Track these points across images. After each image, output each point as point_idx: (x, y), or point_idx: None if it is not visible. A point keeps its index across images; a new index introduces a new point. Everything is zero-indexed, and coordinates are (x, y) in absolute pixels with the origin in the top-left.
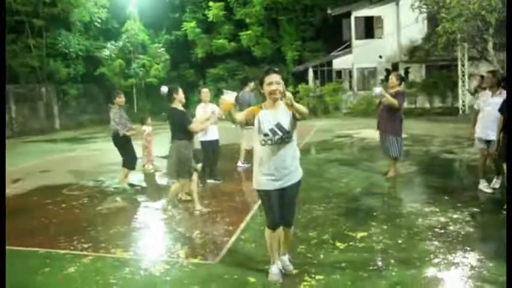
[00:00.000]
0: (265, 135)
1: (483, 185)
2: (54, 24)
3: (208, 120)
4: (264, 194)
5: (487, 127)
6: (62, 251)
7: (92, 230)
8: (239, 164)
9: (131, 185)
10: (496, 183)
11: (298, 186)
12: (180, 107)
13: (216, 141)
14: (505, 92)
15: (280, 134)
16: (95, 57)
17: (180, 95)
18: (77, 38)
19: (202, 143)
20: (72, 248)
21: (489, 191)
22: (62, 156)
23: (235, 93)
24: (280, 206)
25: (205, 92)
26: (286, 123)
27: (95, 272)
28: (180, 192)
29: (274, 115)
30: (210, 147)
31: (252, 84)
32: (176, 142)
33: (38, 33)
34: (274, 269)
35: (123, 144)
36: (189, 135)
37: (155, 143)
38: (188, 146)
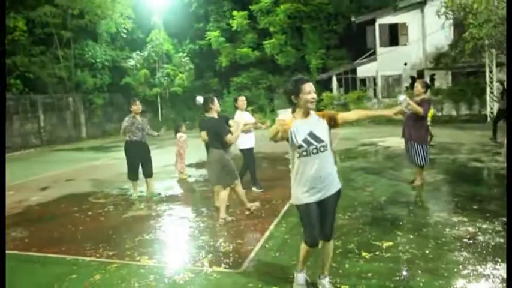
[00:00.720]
0: (300, 146)
1: None
2: (82, 36)
3: (240, 129)
4: (303, 209)
5: None
6: (88, 258)
7: (117, 237)
8: None
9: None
10: None
11: (338, 196)
12: (216, 116)
13: (253, 148)
14: None
15: (315, 144)
16: (121, 67)
17: (216, 105)
18: (104, 48)
19: (241, 150)
20: (98, 255)
21: None
22: (88, 165)
23: (289, 110)
24: (321, 218)
25: (242, 100)
26: (320, 132)
27: (120, 279)
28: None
29: (307, 125)
30: (249, 154)
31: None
32: (216, 151)
33: (66, 45)
34: (301, 278)
35: (129, 153)
36: (227, 144)
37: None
38: (229, 153)
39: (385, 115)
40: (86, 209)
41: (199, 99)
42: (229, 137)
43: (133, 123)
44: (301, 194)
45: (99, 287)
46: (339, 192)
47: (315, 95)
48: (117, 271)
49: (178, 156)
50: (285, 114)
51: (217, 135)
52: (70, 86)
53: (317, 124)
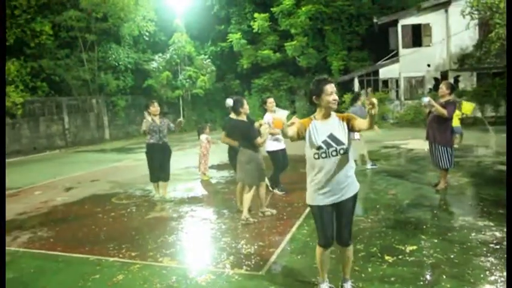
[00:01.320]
0: (319, 148)
1: None
2: (105, 39)
3: (268, 132)
4: (316, 210)
5: None
6: (111, 259)
7: (139, 238)
8: (368, 166)
9: (162, 198)
10: None
11: (355, 200)
12: (245, 119)
13: (283, 150)
14: None
15: (335, 146)
16: (143, 70)
17: (245, 107)
18: (126, 51)
19: (269, 152)
20: (121, 255)
21: None
22: (111, 166)
23: (287, 112)
24: (337, 222)
25: (271, 102)
26: (340, 135)
27: (142, 280)
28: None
29: (327, 126)
30: (277, 156)
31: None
32: (248, 151)
33: (90, 48)
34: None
35: (148, 155)
36: (255, 145)
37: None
38: (260, 153)
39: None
40: (109, 209)
41: (229, 101)
42: (258, 139)
43: (150, 125)
44: (315, 195)
45: (122, 287)
46: (355, 196)
47: (336, 97)
48: (140, 272)
49: (201, 157)
50: (279, 114)
51: (247, 137)
52: (94, 88)
53: (338, 126)
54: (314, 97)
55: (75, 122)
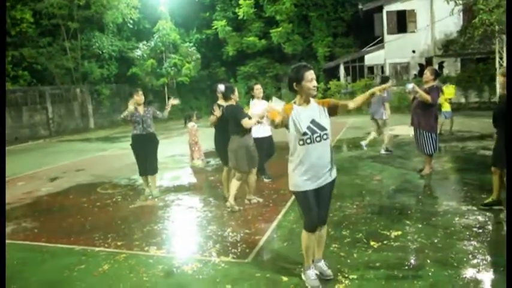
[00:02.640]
0: (304, 134)
1: None
2: (88, 27)
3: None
4: (302, 196)
5: None
6: (97, 249)
7: (125, 227)
8: (382, 151)
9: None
10: None
11: (334, 183)
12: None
13: (269, 137)
14: None
15: (319, 131)
16: (128, 58)
17: (236, 95)
18: (110, 39)
19: (255, 139)
20: (106, 245)
21: None
22: (96, 155)
23: (283, 102)
24: (318, 205)
25: (259, 88)
26: (322, 120)
27: (128, 269)
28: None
29: (309, 112)
30: (263, 144)
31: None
32: (239, 137)
33: (73, 36)
34: (312, 274)
35: (133, 148)
36: (245, 129)
37: (186, 140)
38: (251, 139)
39: (372, 92)
40: (95, 199)
41: (221, 87)
42: (245, 120)
43: (133, 115)
44: (301, 182)
45: (108, 277)
46: (335, 179)
47: (316, 83)
48: (126, 261)
49: (192, 145)
50: (275, 103)
51: (237, 121)
52: (77, 77)
53: (319, 112)
54: (294, 84)
55: (58, 111)
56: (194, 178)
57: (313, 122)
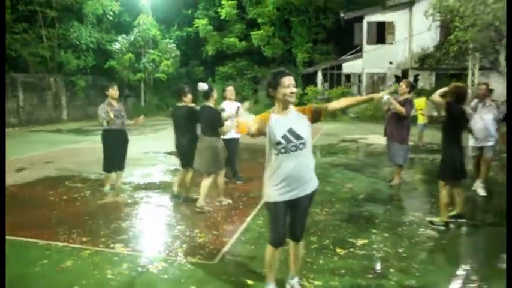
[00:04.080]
0: (278, 143)
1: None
2: (67, 16)
3: (231, 119)
4: (272, 207)
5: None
6: (61, 244)
7: (92, 223)
8: None
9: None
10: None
11: (312, 197)
12: (213, 106)
13: (237, 139)
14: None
15: (294, 141)
16: (106, 50)
17: (215, 95)
18: (89, 30)
19: (223, 141)
20: (71, 241)
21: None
22: (67, 148)
23: (253, 116)
24: (292, 218)
25: (231, 90)
26: (300, 129)
27: (92, 266)
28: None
29: (286, 121)
30: (231, 145)
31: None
32: (208, 138)
33: (51, 24)
34: None
35: (106, 142)
36: (218, 132)
37: (161, 138)
38: (220, 141)
39: (370, 97)
40: (62, 193)
41: (203, 85)
42: (224, 128)
43: (109, 110)
44: (273, 191)
45: (71, 273)
46: (314, 193)
47: (294, 89)
48: (90, 258)
49: None
50: (245, 117)
51: (213, 124)
52: (52, 67)
53: (297, 120)
54: (270, 90)
55: (30, 100)
56: (166, 176)
57: (289, 130)
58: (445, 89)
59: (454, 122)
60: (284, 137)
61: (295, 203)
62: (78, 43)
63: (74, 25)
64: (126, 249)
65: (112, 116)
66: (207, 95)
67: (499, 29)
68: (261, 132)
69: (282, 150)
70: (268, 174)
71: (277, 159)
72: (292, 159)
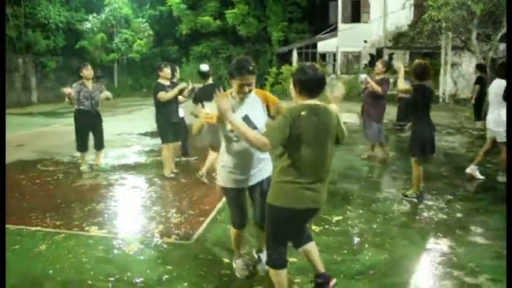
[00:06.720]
0: (231, 131)
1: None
2: None
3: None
4: (226, 192)
5: None
6: (34, 228)
7: (65, 207)
8: None
9: (89, 168)
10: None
11: (266, 184)
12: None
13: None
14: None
15: None
16: (76, 30)
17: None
18: (57, 8)
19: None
20: (44, 225)
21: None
22: (38, 130)
23: (215, 106)
24: (253, 202)
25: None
26: (256, 116)
27: (67, 250)
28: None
29: (244, 106)
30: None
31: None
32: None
33: (16, 2)
34: (240, 263)
35: (77, 123)
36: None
37: (135, 119)
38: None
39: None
40: (34, 177)
41: (205, 67)
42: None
43: (80, 90)
44: (224, 177)
45: (45, 258)
46: (267, 180)
47: (249, 88)
48: (65, 241)
49: None
50: (212, 107)
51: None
52: (20, 47)
53: (254, 106)
54: (229, 77)
55: None
56: (140, 157)
57: (245, 117)
58: (401, 72)
59: (421, 99)
60: None
61: (251, 189)
62: (46, 22)
63: (41, 3)
64: (102, 231)
65: (67, 99)
66: (208, 75)
67: (471, 8)
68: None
69: (235, 138)
70: (221, 158)
71: (230, 146)
72: (244, 148)
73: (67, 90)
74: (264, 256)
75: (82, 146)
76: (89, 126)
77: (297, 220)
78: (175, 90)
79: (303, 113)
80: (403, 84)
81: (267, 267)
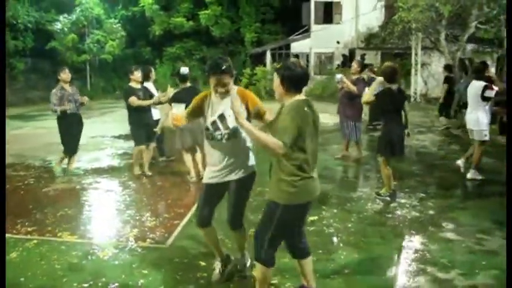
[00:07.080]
0: (207, 129)
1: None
2: None
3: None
4: (203, 186)
5: None
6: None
7: (37, 212)
8: None
9: (64, 170)
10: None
11: (245, 183)
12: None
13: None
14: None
15: (222, 130)
16: (46, 31)
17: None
18: (26, 8)
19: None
20: (15, 231)
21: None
22: (7, 134)
23: (183, 106)
24: (227, 202)
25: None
26: (231, 116)
27: (39, 256)
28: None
29: (221, 105)
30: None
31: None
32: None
33: None
34: (218, 265)
35: (64, 127)
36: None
37: (109, 122)
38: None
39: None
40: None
41: (185, 69)
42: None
43: (62, 95)
44: (205, 173)
45: (15, 265)
46: (242, 180)
47: (224, 89)
48: (37, 248)
49: None
50: (178, 109)
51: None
52: None
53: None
54: (206, 74)
55: None
56: (114, 161)
57: (221, 116)
58: (377, 83)
59: (389, 102)
60: (213, 123)
61: (226, 187)
62: (14, 22)
63: (9, 2)
64: (75, 237)
65: (68, 107)
66: (187, 78)
67: (439, 10)
68: (197, 115)
69: (210, 137)
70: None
71: (207, 143)
72: (220, 148)
73: (66, 107)
74: (244, 259)
75: (73, 148)
76: (75, 129)
77: (304, 214)
78: (150, 101)
79: (305, 108)
80: (370, 95)
81: (248, 265)
